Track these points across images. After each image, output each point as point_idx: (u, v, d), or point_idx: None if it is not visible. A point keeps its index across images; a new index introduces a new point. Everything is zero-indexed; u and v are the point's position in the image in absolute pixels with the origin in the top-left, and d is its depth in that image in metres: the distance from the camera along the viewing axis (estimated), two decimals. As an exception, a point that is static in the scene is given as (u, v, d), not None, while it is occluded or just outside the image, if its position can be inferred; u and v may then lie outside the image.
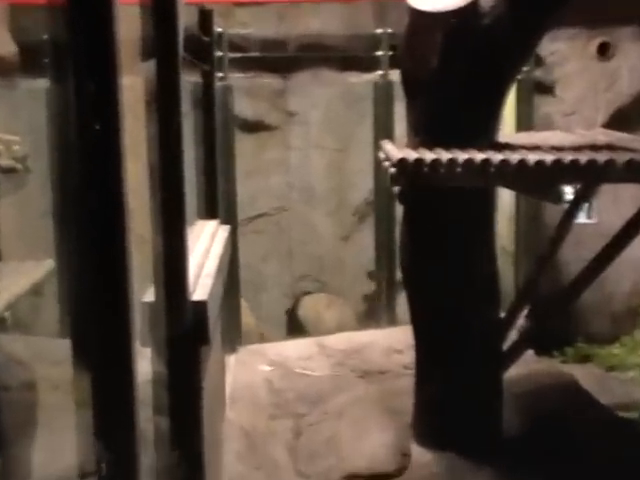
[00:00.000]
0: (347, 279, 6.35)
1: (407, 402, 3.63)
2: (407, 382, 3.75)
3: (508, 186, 3.51)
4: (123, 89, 1.51)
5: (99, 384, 1.51)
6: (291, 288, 6.40)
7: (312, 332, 5.86)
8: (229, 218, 4.64)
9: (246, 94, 5.72)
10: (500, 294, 3.50)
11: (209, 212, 3.84)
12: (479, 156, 2.86)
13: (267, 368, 4.73)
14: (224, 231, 3.60)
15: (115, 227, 1.53)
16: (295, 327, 6.17)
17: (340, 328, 5.78)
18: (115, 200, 1.52)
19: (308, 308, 6.27)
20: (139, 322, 2.18)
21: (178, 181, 2.09)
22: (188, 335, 2.15)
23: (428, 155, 2.90)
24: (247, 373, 4.62)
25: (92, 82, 1.44)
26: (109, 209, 1.52)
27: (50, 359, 3.30)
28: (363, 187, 6.07)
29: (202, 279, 2.49)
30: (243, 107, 5.78)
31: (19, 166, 2.64)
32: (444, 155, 2.89)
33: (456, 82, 3.11)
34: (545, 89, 5.58)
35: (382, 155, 3.39)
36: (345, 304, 6.22)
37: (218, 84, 4.67)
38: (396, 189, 3.18)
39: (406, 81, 3.34)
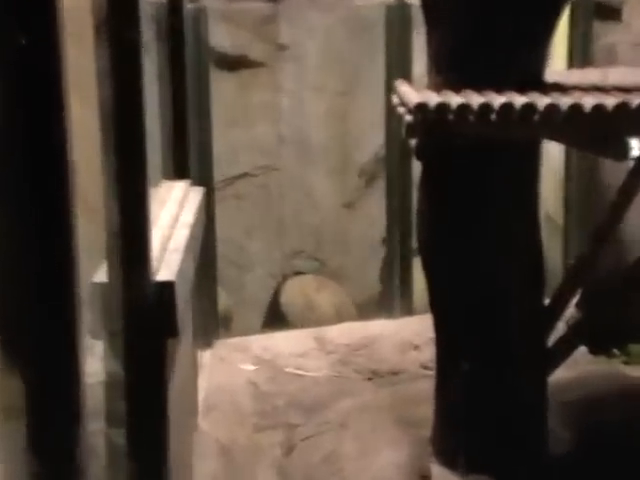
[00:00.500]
0: (351, 257, 6.37)
1: (426, 411, 3.64)
2: (426, 385, 3.77)
3: (557, 138, 3.49)
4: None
5: (34, 388, 1.49)
6: (281, 268, 6.42)
7: (297, 323, 5.90)
8: (203, 179, 4.63)
9: (224, 20, 5.69)
10: (544, 276, 3.50)
11: (177, 171, 3.83)
12: (520, 99, 2.84)
13: (251, 367, 4.76)
14: (196, 194, 3.59)
15: (55, 189, 1.50)
16: (277, 317, 6.20)
17: (335, 318, 5.81)
18: (55, 153, 1.50)
19: (293, 293, 6.30)
20: (88, 308, 2.18)
21: (137, 130, 2.08)
22: (150, 324, 2.15)
23: (454, 98, 2.87)
24: (226, 373, 4.64)
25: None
26: (46, 165, 1.49)
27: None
28: (372, 140, 6.07)
29: (168, 255, 2.49)
30: (221, 38, 5.75)
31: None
32: (474, 98, 2.87)
33: (490, 3, 3.08)
34: (608, 13, 5.52)
35: (396, 99, 3.37)
36: (339, 288, 6.25)
37: (188, 7, 4.62)
38: (413, 142, 3.16)
39: (426, 3, 3.31)
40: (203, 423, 4.02)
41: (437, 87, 3.14)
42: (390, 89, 4.02)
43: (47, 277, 1.52)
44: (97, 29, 1.97)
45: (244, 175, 6.28)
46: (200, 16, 4.95)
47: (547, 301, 3.60)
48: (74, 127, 1.55)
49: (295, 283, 6.36)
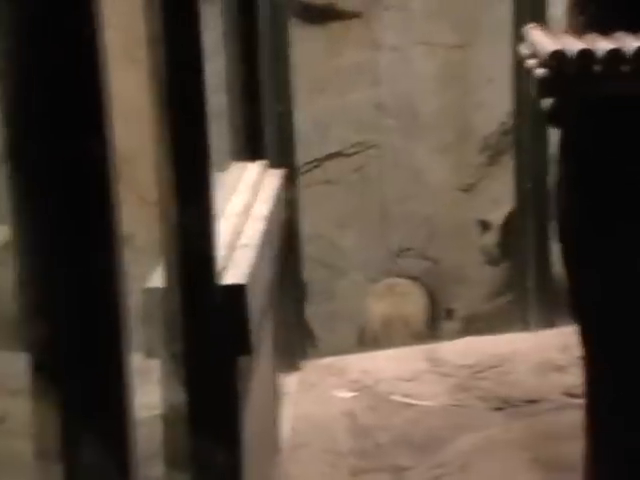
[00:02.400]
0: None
1: (572, 450, 3.58)
2: (572, 417, 3.72)
3: None
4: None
5: (69, 424, 1.50)
6: (383, 270, 6.41)
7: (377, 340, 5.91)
8: (283, 160, 4.65)
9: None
10: None
11: (250, 151, 3.86)
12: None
13: (348, 394, 4.77)
14: (274, 179, 3.61)
15: (97, 179, 1.51)
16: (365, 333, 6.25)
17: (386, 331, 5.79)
18: (96, 138, 1.50)
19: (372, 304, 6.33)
20: (140, 320, 2.20)
21: (196, 104, 2.13)
22: (217, 339, 2.16)
23: (602, 44, 2.81)
24: (316, 402, 4.68)
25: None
26: (88, 153, 1.50)
27: (4, 385, 3.38)
28: (497, 106, 6.02)
29: (238, 252, 2.51)
30: (302, -17, 5.79)
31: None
32: (628, 42, 2.79)
33: None
34: None
35: (525, 50, 3.31)
36: (411, 294, 6.25)
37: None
38: (546, 103, 3.09)
39: None
40: (288, 464, 4.04)
41: (579, 30, 3.08)
42: (519, 39, 3.95)
43: (89, 284, 1.52)
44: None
45: (336, 155, 6.30)
46: (276, -43, 4.97)
47: None
48: (124, 104, 1.56)
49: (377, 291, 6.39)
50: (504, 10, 5.39)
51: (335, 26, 6.15)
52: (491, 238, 6.32)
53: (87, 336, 1.51)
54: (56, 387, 1.51)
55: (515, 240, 5.71)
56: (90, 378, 1.52)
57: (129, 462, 1.56)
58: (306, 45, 5.73)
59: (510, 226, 5.94)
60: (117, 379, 1.55)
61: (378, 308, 6.28)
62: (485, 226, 6.32)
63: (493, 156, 6.31)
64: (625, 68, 2.76)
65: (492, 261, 6.32)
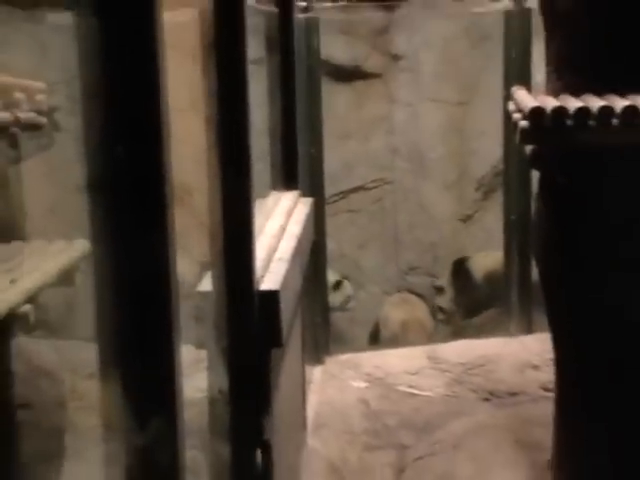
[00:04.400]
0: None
1: (545, 433, 3.55)
2: (546, 407, 3.64)
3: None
4: (177, 26, 1.51)
5: (131, 401, 1.50)
6: (396, 284, 6.39)
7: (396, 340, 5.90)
8: (314, 190, 4.64)
9: (338, 30, 5.71)
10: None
11: (286, 182, 3.85)
12: (645, 103, 2.73)
13: (362, 385, 4.74)
14: (305, 205, 3.60)
15: (158, 201, 1.52)
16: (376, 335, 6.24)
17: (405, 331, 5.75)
18: (157, 167, 1.51)
19: (383, 309, 6.33)
20: (194, 317, 2.21)
21: (242, 144, 2.12)
22: (254, 334, 2.15)
23: (572, 102, 2.80)
24: (336, 390, 4.64)
25: (127, 15, 1.44)
26: (151, 179, 1.51)
27: (84, 369, 3.38)
28: (490, 152, 5.99)
29: (274, 264, 2.50)
30: (334, 48, 5.79)
31: (43, 120, 2.70)
32: (594, 102, 2.78)
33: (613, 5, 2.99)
34: None
35: (512, 106, 3.30)
36: (420, 304, 6.23)
37: (300, 16, 4.66)
38: (528, 149, 3.08)
39: (545, 7, 3.24)
40: (312, 440, 4.01)
41: (556, 92, 3.06)
42: (508, 98, 3.93)
43: (148, 286, 1.53)
44: (204, 46, 2.01)
45: (358, 189, 6.29)
46: (312, 26, 4.98)
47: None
48: (189, 146, 1.57)
49: (393, 301, 6.37)
50: (497, 75, 5.38)
51: (359, 84, 6.16)
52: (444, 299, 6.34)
53: (145, 329, 1.53)
54: (119, 372, 1.52)
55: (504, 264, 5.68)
56: (147, 365, 1.53)
57: (178, 434, 1.57)
58: (336, 99, 5.74)
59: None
60: (169, 366, 1.56)
61: (397, 314, 6.26)
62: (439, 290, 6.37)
63: (486, 193, 6.29)
64: (592, 123, 2.75)
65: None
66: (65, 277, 2.67)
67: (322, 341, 5.06)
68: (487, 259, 6.06)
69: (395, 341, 5.99)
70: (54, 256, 2.65)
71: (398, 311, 6.25)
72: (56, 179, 3.40)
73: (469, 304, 6.16)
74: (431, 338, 6.00)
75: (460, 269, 6.17)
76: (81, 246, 2.77)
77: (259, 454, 2.20)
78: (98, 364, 1.53)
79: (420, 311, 6.30)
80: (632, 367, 3.24)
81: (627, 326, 3.17)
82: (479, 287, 6.17)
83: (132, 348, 1.50)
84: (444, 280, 6.28)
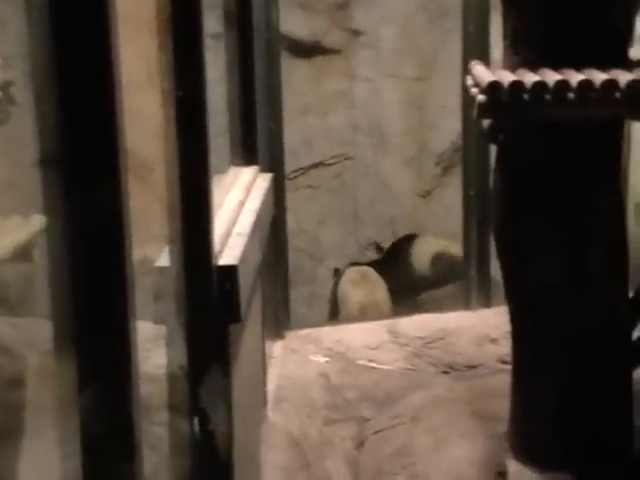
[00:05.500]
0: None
1: (503, 405, 3.58)
2: (504, 380, 3.68)
3: (641, 119, 3.39)
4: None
5: (86, 377, 1.49)
6: (356, 259, 6.39)
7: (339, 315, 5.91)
8: (274, 166, 4.62)
9: (297, 5, 5.68)
10: (628, 266, 3.39)
11: (246, 158, 3.83)
12: (600, 76, 2.75)
13: (322, 359, 4.74)
14: (264, 180, 3.59)
15: (112, 176, 1.50)
16: (333, 309, 6.25)
17: (363, 313, 5.81)
18: (111, 141, 1.50)
19: (342, 285, 6.33)
20: (152, 292, 2.20)
21: (200, 115, 2.11)
22: (212, 310, 2.15)
23: (529, 77, 2.81)
24: (297, 365, 4.64)
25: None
26: (105, 153, 1.49)
27: (43, 346, 3.35)
28: (450, 128, 5.99)
29: (232, 239, 2.49)
30: (293, 24, 5.74)
31: (-1, 95, 2.66)
32: (551, 76, 2.79)
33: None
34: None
35: (470, 80, 3.30)
36: (379, 281, 6.24)
37: (258, -8, 4.61)
38: (485, 123, 3.09)
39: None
40: (273, 414, 4.01)
41: (513, 67, 3.07)
42: (466, 73, 3.94)
43: (103, 262, 1.51)
44: (161, 20, 2.00)
45: (318, 164, 6.27)
46: (271, 1, 4.94)
47: (631, 293, 3.50)
48: (146, 122, 1.55)
49: (346, 274, 6.37)
50: (456, 50, 5.38)
51: (319, 60, 6.13)
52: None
53: (99, 305, 1.51)
54: (74, 348, 1.51)
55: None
56: (101, 341, 1.52)
57: (134, 410, 1.56)
58: (295, 74, 5.71)
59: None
60: (124, 341, 1.54)
61: (356, 295, 6.25)
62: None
63: (446, 168, 6.30)
64: (547, 97, 2.76)
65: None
66: (22, 253, 2.64)
67: (283, 316, 5.06)
68: (432, 244, 6.13)
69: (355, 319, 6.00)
70: (11, 232, 2.62)
71: (357, 291, 6.24)
72: (12, 154, 3.35)
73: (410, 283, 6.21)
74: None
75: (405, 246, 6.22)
76: (38, 222, 2.74)
77: (196, 422, 2.19)
78: (53, 340, 1.52)
79: (379, 292, 6.30)
80: (582, 334, 3.30)
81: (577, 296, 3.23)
82: (415, 269, 6.25)
83: (87, 324, 1.49)
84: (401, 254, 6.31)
